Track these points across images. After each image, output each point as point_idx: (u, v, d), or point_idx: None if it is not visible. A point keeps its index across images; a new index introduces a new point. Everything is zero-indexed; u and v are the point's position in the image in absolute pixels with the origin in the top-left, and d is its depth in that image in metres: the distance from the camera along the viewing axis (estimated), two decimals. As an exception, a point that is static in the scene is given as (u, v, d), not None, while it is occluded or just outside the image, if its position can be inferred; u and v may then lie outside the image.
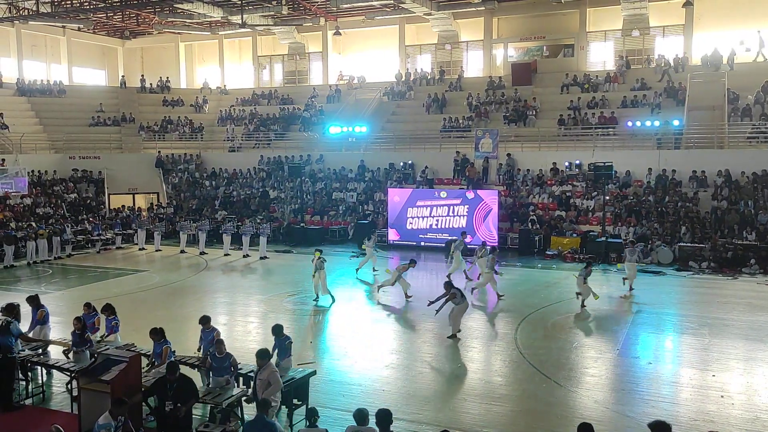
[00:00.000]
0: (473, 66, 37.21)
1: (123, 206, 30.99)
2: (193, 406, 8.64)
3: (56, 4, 33.30)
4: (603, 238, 22.94)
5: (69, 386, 10.42)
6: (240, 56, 43.76)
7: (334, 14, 37.11)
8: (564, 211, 25.54)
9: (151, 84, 41.32)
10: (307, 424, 7.65)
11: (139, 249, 26.32)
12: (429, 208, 25.44)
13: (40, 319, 11.85)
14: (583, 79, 32.28)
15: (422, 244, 25.49)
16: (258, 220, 27.69)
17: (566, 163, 27.44)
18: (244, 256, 24.14)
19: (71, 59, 41.11)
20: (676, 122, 26.67)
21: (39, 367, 11.03)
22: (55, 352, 11.69)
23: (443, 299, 13.71)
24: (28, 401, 10.48)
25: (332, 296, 16.94)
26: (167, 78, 41.76)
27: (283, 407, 9.62)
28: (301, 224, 28.04)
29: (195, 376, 10.49)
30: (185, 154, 35.88)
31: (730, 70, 28.95)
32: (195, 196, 32.79)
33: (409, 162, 29.98)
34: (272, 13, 35.53)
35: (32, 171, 30.26)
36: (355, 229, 27.22)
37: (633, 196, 25.18)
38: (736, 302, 16.75)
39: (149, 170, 33.91)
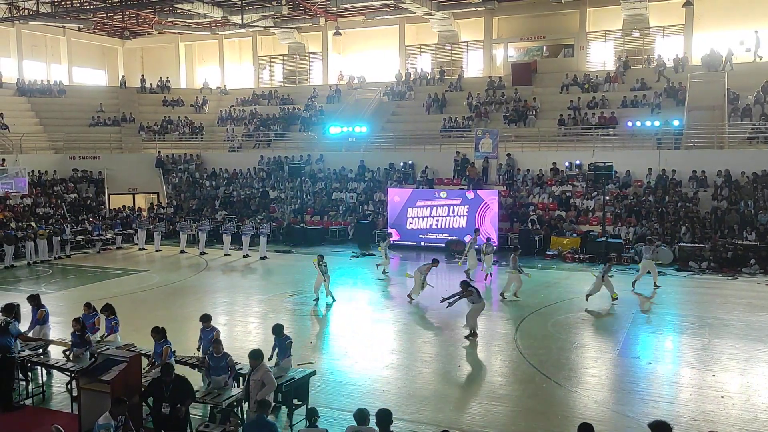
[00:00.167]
0: (473, 66, 37.22)
1: (124, 206, 31.00)
2: (192, 406, 8.64)
3: (56, 4, 33.30)
4: (603, 238, 22.94)
5: (69, 386, 10.42)
6: (240, 56, 43.77)
7: (334, 14, 37.13)
8: (564, 211, 25.55)
9: (151, 84, 41.33)
10: (307, 424, 7.65)
11: (139, 249, 26.32)
12: (429, 208, 25.45)
13: (40, 318, 11.86)
14: (583, 79, 32.28)
15: (422, 244, 25.49)
16: (258, 220, 27.69)
17: (566, 163, 27.45)
18: (244, 256, 24.14)
19: (71, 59, 41.11)
20: (676, 122, 26.67)
21: (39, 367, 11.03)
22: (55, 352, 11.68)
23: (457, 296, 13.86)
24: (28, 401, 10.48)
25: (333, 297, 16.93)
26: (167, 78, 41.77)
27: (283, 407, 9.63)
28: (301, 224, 28.04)
29: (195, 376, 10.52)
30: (185, 154, 35.88)
31: (729, 70, 28.92)
32: (195, 196, 32.80)
33: (409, 162, 29.98)
34: (272, 13, 35.52)
35: (32, 171, 30.26)
36: (355, 230, 27.23)
37: (633, 196, 25.18)
38: (736, 302, 16.75)
39: (149, 170, 33.92)
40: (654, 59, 32.33)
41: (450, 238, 24.79)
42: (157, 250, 25.84)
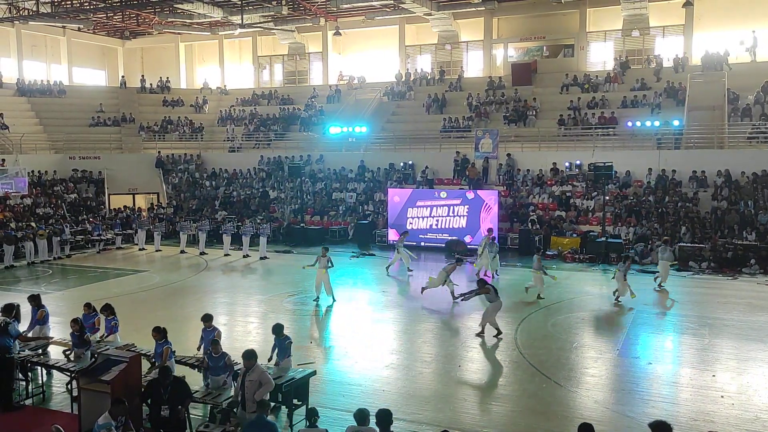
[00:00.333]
0: (473, 66, 37.22)
1: (125, 207, 31.01)
2: (192, 406, 8.64)
3: (56, 4, 33.30)
4: (603, 239, 22.93)
5: (69, 386, 10.42)
6: (240, 56, 43.78)
7: (334, 14, 37.14)
8: (564, 211, 25.54)
9: (151, 84, 41.34)
10: (307, 424, 7.65)
11: (139, 249, 26.32)
12: (429, 209, 25.44)
13: (40, 319, 11.86)
14: (583, 79, 32.29)
15: (422, 244, 25.47)
16: (258, 221, 27.69)
17: (566, 164, 27.45)
18: (244, 257, 24.14)
19: (71, 59, 41.13)
20: (676, 122, 26.67)
21: (39, 368, 11.03)
22: (55, 352, 11.68)
23: (474, 293, 14.05)
24: (28, 401, 10.48)
25: (333, 297, 16.93)
26: (167, 78, 41.78)
27: (283, 407, 9.63)
28: (301, 224, 28.04)
29: (196, 376, 10.52)
30: (185, 154, 35.88)
31: (726, 70, 28.92)
32: (195, 196, 32.80)
33: (409, 162, 29.98)
34: (272, 13, 35.53)
35: (32, 171, 30.26)
36: (355, 230, 27.23)
37: (633, 196, 25.18)
38: (736, 302, 16.75)
39: (149, 170, 33.92)
40: (654, 59, 32.33)
41: (450, 238, 24.77)
42: (157, 251, 25.84)
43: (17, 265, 22.69)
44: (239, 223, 27.14)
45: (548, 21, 35.15)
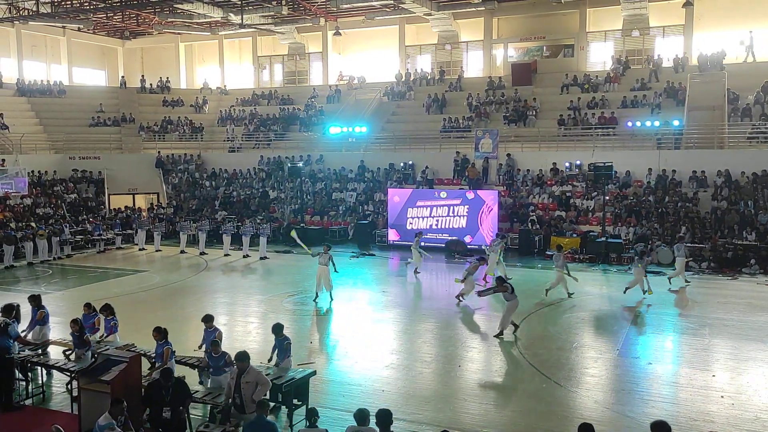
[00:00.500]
0: (473, 66, 37.22)
1: (126, 207, 31.02)
2: (192, 406, 8.64)
3: (56, 4, 33.30)
4: (603, 239, 22.93)
5: (69, 386, 10.42)
6: (240, 56, 43.78)
7: (334, 14, 37.14)
8: (564, 211, 25.54)
9: (151, 84, 41.33)
10: (307, 424, 7.64)
11: (139, 249, 26.31)
12: (429, 209, 25.44)
13: (40, 319, 11.85)
14: (583, 79, 32.29)
15: (422, 244, 25.39)
16: (258, 221, 27.68)
17: (566, 164, 27.43)
18: (244, 257, 24.14)
19: (71, 59, 41.13)
20: (676, 122, 26.66)
21: (39, 368, 11.03)
22: (55, 353, 11.68)
23: (491, 291, 14.28)
24: (28, 401, 10.48)
25: (331, 296, 16.92)
26: (167, 78, 41.77)
27: (283, 407, 9.63)
28: (301, 224, 28.03)
29: (196, 376, 10.53)
30: (185, 154, 35.88)
31: (721, 70, 28.93)
32: (195, 196, 32.79)
33: (409, 162, 29.97)
34: (272, 13, 35.52)
35: (32, 171, 30.26)
36: (355, 230, 27.23)
37: (633, 197, 25.18)
38: (736, 302, 16.75)
39: (149, 170, 33.92)
40: (653, 59, 32.35)
41: (450, 238, 24.77)
42: (157, 251, 25.84)
43: (17, 265, 22.69)
44: (239, 223, 27.14)
45: (548, 21, 35.14)
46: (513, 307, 13.78)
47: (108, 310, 11.63)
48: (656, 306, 16.46)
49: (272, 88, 41.05)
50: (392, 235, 26.09)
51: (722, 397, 10.36)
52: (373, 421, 7.10)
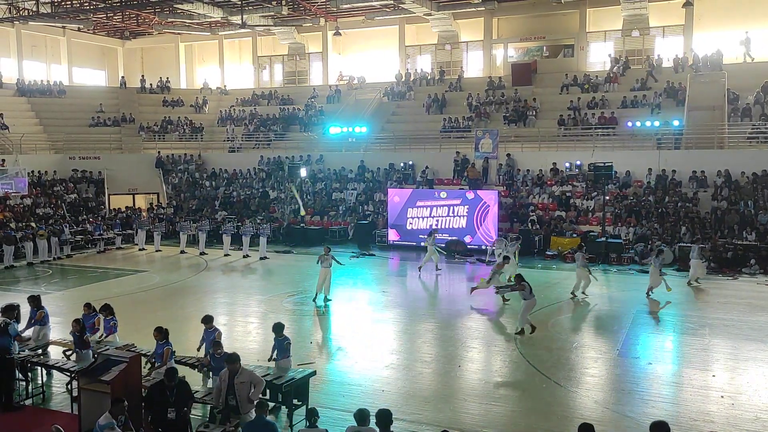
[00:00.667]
0: (473, 66, 37.22)
1: (126, 207, 31.02)
2: (192, 406, 8.64)
3: (56, 4, 33.31)
4: (603, 239, 22.93)
5: (69, 386, 10.42)
6: (240, 56, 43.77)
7: (334, 14, 37.14)
8: (564, 211, 25.54)
9: (151, 84, 41.33)
10: (307, 424, 7.64)
11: (139, 249, 26.31)
12: (429, 209, 25.44)
13: (39, 319, 11.84)
14: (583, 79, 32.29)
15: (422, 244, 25.39)
16: (258, 221, 27.69)
17: (566, 164, 27.43)
18: (244, 257, 24.14)
19: (71, 59, 41.12)
20: (676, 122, 26.67)
21: (39, 368, 11.03)
22: (55, 352, 11.69)
23: (509, 288, 14.60)
24: (28, 401, 10.48)
25: (327, 297, 16.88)
26: (167, 78, 41.77)
27: (283, 407, 9.63)
28: (301, 224, 28.04)
29: (195, 376, 10.52)
30: (185, 154, 35.88)
31: (720, 70, 28.94)
32: (195, 196, 32.79)
33: (410, 162, 29.97)
34: (272, 13, 35.53)
35: (32, 171, 30.26)
36: (355, 230, 27.23)
37: (633, 197, 25.18)
38: (736, 302, 16.75)
39: (149, 170, 33.92)
40: (650, 60, 32.38)
41: (450, 238, 24.76)
42: (157, 251, 25.83)
43: (17, 266, 22.69)
44: (239, 224, 27.14)
45: (548, 21, 35.14)
46: (530, 306, 13.92)
47: (107, 310, 11.64)
48: (656, 306, 16.46)
49: (272, 88, 41.04)
50: (392, 235, 26.09)
51: (722, 397, 10.36)
52: (373, 421, 7.09)
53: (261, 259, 23.72)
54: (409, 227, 25.72)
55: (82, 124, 36.85)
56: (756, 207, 22.82)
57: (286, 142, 35.36)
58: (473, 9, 34.68)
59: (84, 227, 26.93)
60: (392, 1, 32.58)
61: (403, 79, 36.78)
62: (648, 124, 27.04)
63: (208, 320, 10.65)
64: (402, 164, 30.06)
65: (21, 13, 33.11)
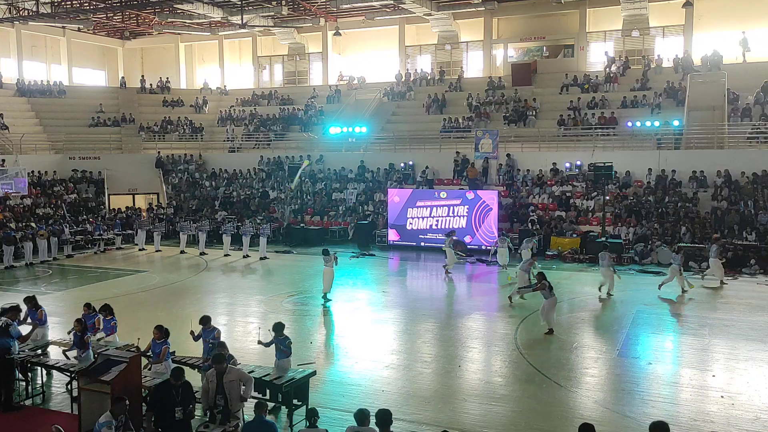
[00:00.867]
0: (473, 66, 37.23)
1: (126, 207, 31.01)
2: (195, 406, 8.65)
3: (56, 4, 33.34)
4: (603, 239, 22.93)
5: (69, 387, 10.42)
6: (240, 57, 43.79)
7: (334, 15, 37.15)
8: (564, 211, 25.54)
9: (151, 84, 41.34)
10: (307, 424, 7.64)
11: (139, 249, 26.30)
12: (429, 209, 25.43)
13: (41, 319, 11.85)
14: (583, 79, 32.29)
15: (422, 244, 25.47)
16: (258, 221, 27.69)
17: (566, 165, 27.42)
18: (244, 257, 24.14)
19: (71, 60, 41.13)
20: (676, 122, 26.68)
21: (39, 368, 11.03)
22: (55, 353, 11.69)
23: (530, 288, 14.78)
24: (28, 401, 10.48)
25: (327, 297, 16.88)
26: (167, 78, 41.78)
27: (283, 407, 9.63)
28: (301, 225, 28.04)
29: (195, 376, 10.51)
30: (185, 154, 35.88)
31: (719, 70, 28.96)
32: (195, 196, 32.79)
33: (410, 162, 29.97)
34: (272, 13, 35.54)
35: (32, 171, 30.26)
36: (355, 230, 27.23)
37: (633, 197, 25.18)
38: (736, 302, 16.75)
39: (149, 171, 33.91)
40: (649, 59, 32.39)
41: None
42: (156, 251, 25.83)
43: (17, 266, 22.69)
44: (239, 224, 27.14)
45: (548, 21, 35.16)
46: (552, 304, 14.00)
47: (107, 310, 11.64)
48: (656, 306, 16.47)
49: (272, 88, 41.05)
50: (392, 235, 26.09)
51: (722, 397, 10.36)
52: (373, 421, 7.09)
53: (261, 259, 23.71)
54: (409, 227, 25.71)
55: (82, 124, 36.85)
56: (756, 207, 22.82)
57: (286, 143, 35.36)
58: (473, 9, 34.70)
59: (84, 227, 26.91)
60: (392, 1, 32.59)
61: (403, 79, 36.79)
62: (648, 124, 27.05)
63: (205, 321, 10.64)
64: (402, 164, 30.06)
65: (21, 13, 33.12)
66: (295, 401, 9.42)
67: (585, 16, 33.92)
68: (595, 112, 29.80)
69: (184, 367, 10.40)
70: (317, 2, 35.13)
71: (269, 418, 8.76)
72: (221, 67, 42.83)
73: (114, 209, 30.66)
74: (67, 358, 11.04)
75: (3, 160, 29.06)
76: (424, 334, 14.35)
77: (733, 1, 31.14)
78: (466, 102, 33.23)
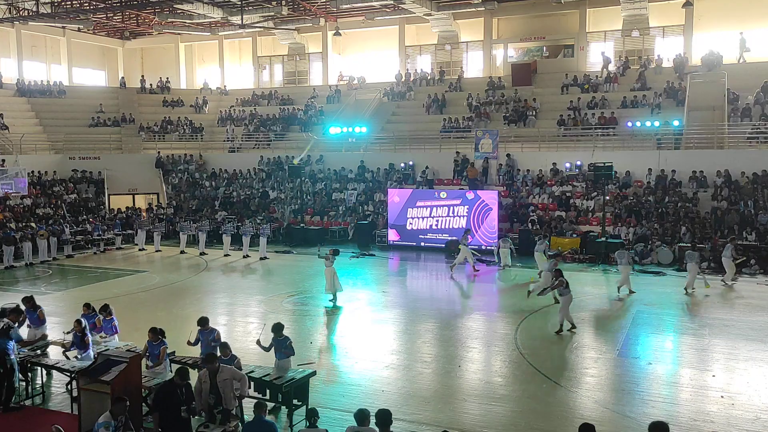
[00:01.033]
0: (473, 66, 37.22)
1: (127, 208, 31.00)
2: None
3: (56, 4, 33.33)
4: (603, 239, 22.93)
5: (69, 387, 10.42)
6: (240, 57, 43.78)
7: (334, 15, 37.15)
8: (564, 211, 25.54)
9: (151, 84, 41.33)
10: (307, 424, 7.64)
11: (139, 250, 26.30)
12: (429, 209, 25.44)
13: (42, 318, 11.85)
14: (583, 79, 32.29)
15: (422, 244, 25.48)
16: (258, 221, 27.69)
17: (566, 165, 27.42)
18: (244, 257, 24.14)
19: (71, 60, 41.12)
20: (676, 122, 26.68)
21: (39, 368, 11.02)
22: (55, 353, 11.69)
23: (550, 288, 14.82)
24: (28, 402, 10.48)
25: (335, 295, 16.87)
26: (167, 78, 41.78)
27: (283, 407, 9.63)
28: (301, 225, 28.04)
29: (195, 376, 10.51)
30: (185, 154, 35.88)
31: (720, 71, 28.97)
32: (195, 196, 32.79)
33: (410, 162, 29.97)
34: (272, 13, 35.53)
35: (32, 171, 30.26)
36: (355, 230, 27.24)
37: (633, 197, 25.18)
38: (736, 302, 16.76)
39: (149, 171, 33.91)
40: (646, 59, 32.37)
41: (450, 238, 24.75)
42: (156, 251, 25.83)
43: (17, 266, 22.69)
44: (239, 224, 27.14)
45: (548, 21, 35.15)
46: (568, 301, 14.05)
47: (106, 310, 11.64)
48: (656, 306, 16.46)
49: (272, 88, 41.04)
50: (392, 236, 26.09)
51: (722, 397, 10.36)
52: (373, 421, 7.09)
53: (261, 259, 23.72)
54: (409, 227, 25.72)
55: (82, 125, 36.85)
56: (756, 207, 22.81)
57: (286, 143, 35.36)
58: (473, 9, 34.69)
59: (84, 227, 26.91)
60: (392, 2, 32.58)
61: (403, 80, 36.78)
62: (648, 124, 27.05)
63: (203, 322, 10.62)
64: (402, 164, 30.06)
65: (21, 13, 33.12)
66: (295, 401, 9.42)
67: (585, 16, 33.92)
68: (595, 112, 29.79)
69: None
70: (317, 2, 35.12)
71: (269, 418, 8.76)
72: (221, 67, 42.83)
73: (114, 209, 30.66)
74: (67, 358, 11.04)
75: (3, 160, 29.06)
76: (424, 334, 14.35)
77: (733, 1, 31.14)
78: (466, 102, 33.23)
